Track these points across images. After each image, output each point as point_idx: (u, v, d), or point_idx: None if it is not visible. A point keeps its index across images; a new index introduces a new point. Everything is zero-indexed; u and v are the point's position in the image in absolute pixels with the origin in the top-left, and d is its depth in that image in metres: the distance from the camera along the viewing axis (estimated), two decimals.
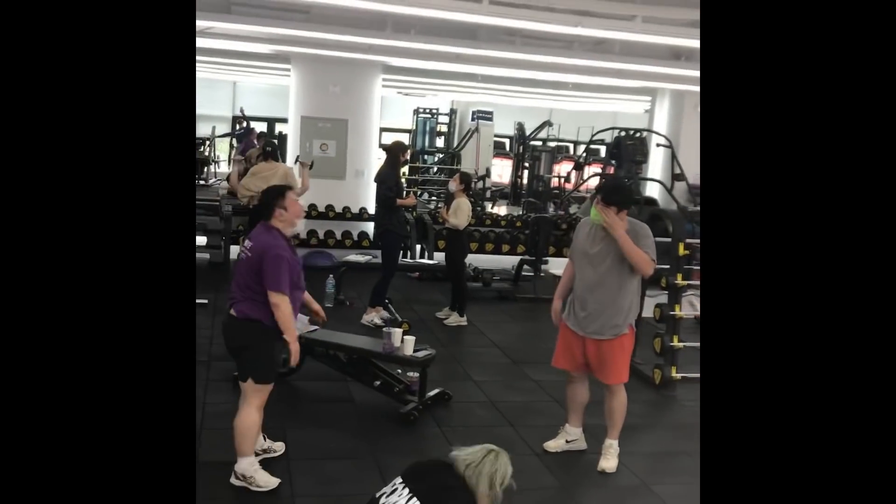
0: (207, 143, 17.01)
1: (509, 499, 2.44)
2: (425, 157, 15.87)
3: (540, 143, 15.83)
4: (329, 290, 7.47)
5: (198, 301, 7.01)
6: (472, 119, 15.87)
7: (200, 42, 8.58)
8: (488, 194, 14.79)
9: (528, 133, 15.16)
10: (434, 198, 14.47)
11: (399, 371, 5.13)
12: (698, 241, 8.07)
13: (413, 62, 9.07)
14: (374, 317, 6.83)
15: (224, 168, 17.01)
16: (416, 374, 4.95)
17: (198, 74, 15.12)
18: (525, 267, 8.79)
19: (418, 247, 9.24)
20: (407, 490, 2.40)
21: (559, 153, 16.00)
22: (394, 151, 6.87)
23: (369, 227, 9.58)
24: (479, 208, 11.72)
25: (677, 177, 9.59)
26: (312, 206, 9.46)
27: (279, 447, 4.11)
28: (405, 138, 15.01)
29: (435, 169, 15.45)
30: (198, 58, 11.15)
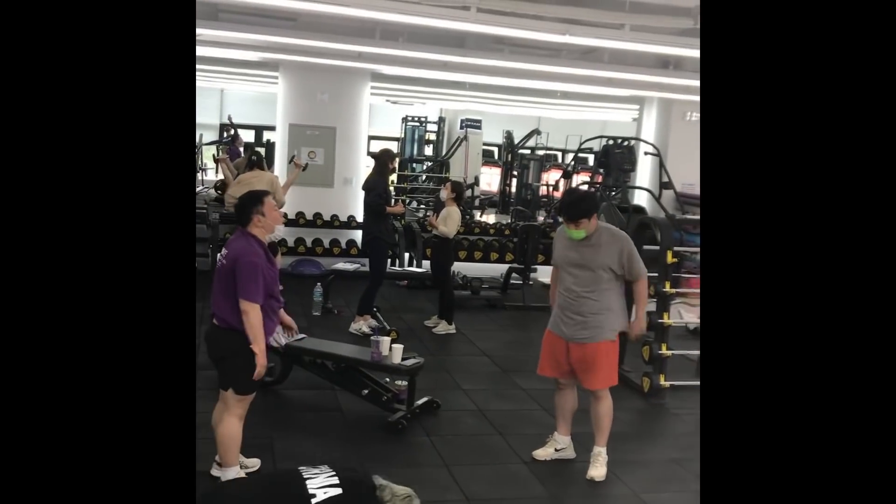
0: (195, 150, 16.96)
1: None
2: (414, 165, 15.87)
3: (528, 151, 15.86)
4: (317, 298, 7.44)
5: None
6: (461, 127, 15.89)
7: None
8: (477, 202, 14.80)
9: (516, 141, 15.19)
10: (423, 206, 14.46)
11: (387, 380, 5.10)
12: (686, 249, 8.10)
13: (401, 70, 9.06)
14: (362, 325, 6.79)
15: (211, 175, 16.96)
16: (405, 383, 4.92)
17: None
18: (513, 275, 8.78)
19: (407, 255, 9.21)
20: (331, 471, 2.62)
21: (548, 161, 16.03)
22: (382, 159, 6.85)
23: (357, 236, 9.55)
24: (467, 216, 11.72)
25: (665, 185, 9.61)
26: (300, 214, 9.42)
27: (254, 463, 4.00)
28: (394, 146, 15.00)
29: (424, 177, 15.45)
30: None
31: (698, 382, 6.03)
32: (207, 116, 18.09)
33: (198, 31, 7.41)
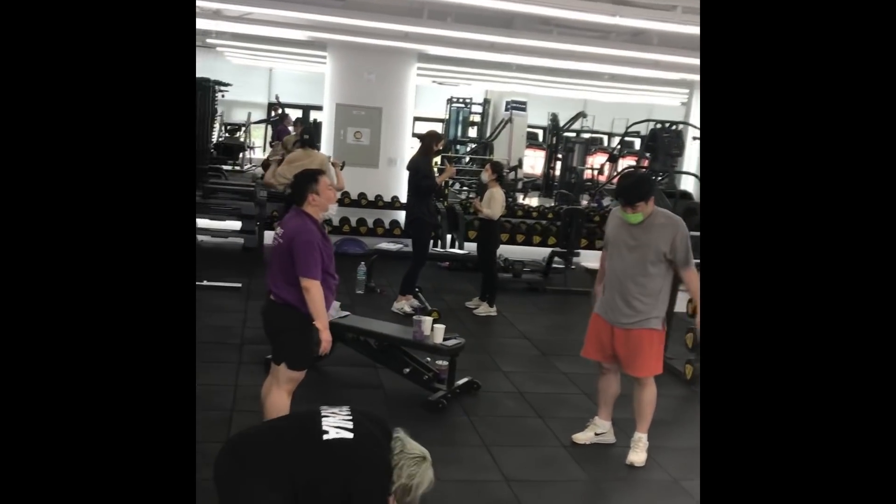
0: (243, 129, 17.20)
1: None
2: (458, 146, 15.84)
3: (573, 134, 15.70)
4: (360, 277, 7.51)
5: (231, 285, 7.10)
6: (506, 109, 15.77)
7: (238, 28, 8.65)
8: (520, 185, 14.72)
9: (561, 124, 15.05)
10: (466, 188, 14.45)
11: (428, 359, 5.14)
12: None
13: (448, 51, 9.04)
14: (404, 305, 6.85)
15: (259, 154, 17.18)
16: (446, 363, 4.96)
17: (234, 60, 15.29)
18: (556, 259, 8.75)
19: (449, 237, 9.24)
20: (348, 413, 2.65)
21: (593, 145, 15.86)
22: (427, 140, 6.86)
23: (401, 216, 9.60)
24: (510, 199, 11.68)
25: None
26: (345, 194, 9.49)
27: None
28: (438, 128, 14.99)
29: (467, 159, 15.41)
30: (234, 43, 11.26)
31: None
32: (256, 95, 18.32)
33: (248, 9, 7.51)
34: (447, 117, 16.04)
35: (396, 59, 9.53)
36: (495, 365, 5.73)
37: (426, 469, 2.67)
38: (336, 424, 2.60)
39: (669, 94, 14.15)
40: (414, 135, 10.65)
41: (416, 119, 12.79)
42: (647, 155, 10.49)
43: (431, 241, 7.47)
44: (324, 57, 9.97)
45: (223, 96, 15.63)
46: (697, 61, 8.20)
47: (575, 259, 8.94)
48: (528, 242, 9.71)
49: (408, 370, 4.96)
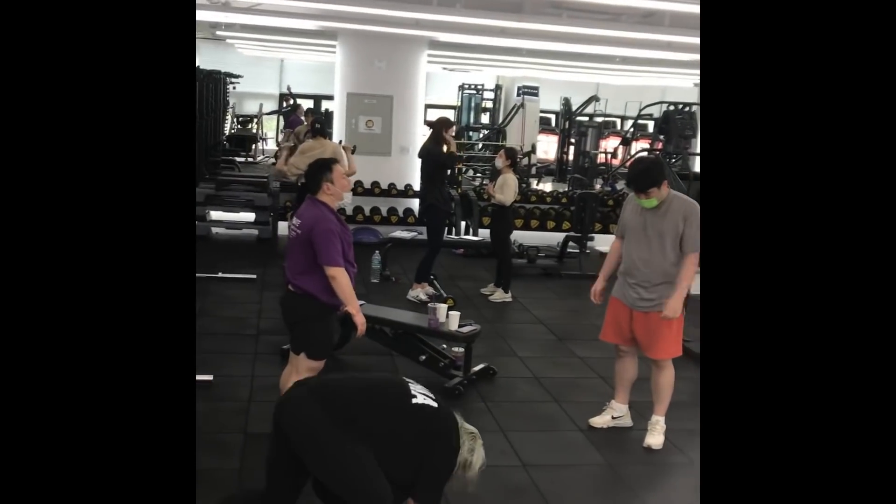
0: (255, 120, 17.24)
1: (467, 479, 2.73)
2: (470, 133, 15.81)
3: (586, 118, 15.63)
4: (375, 265, 7.53)
5: (246, 276, 7.14)
6: (518, 95, 15.72)
7: (247, 19, 8.65)
8: (534, 171, 14.68)
9: (574, 108, 14.97)
10: (479, 174, 14.42)
11: (444, 346, 5.16)
12: None
13: (458, 37, 9.00)
14: (419, 292, 6.87)
15: (272, 146, 17.22)
16: (461, 350, 4.97)
17: (245, 52, 15.30)
18: (570, 244, 8.73)
19: (463, 223, 9.23)
20: (430, 393, 2.76)
21: (606, 128, 15.78)
22: (437, 127, 6.86)
23: (414, 204, 9.60)
24: (524, 185, 11.65)
25: None
26: (358, 183, 9.50)
27: None
28: (450, 114, 14.96)
29: (480, 145, 15.38)
30: (244, 35, 11.28)
31: None
32: (267, 86, 18.35)
33: (258, 0, 7.50)
34: (459, 104, 16.00)
35: (407, 47, 9.50)
36: (511, 350, 5.73)
37: (480, 446, 2.78)
38: (423, 392, 2.72)
39: (682, 76, 14.03)
40: (425, 122, 10.64)
41: (428, 106, 12.77)
42: (661, 137, 10.42)
43: (446, 229, 7.47)
44: (334, 46, 9.96)
45: (234, 88, 15.68)
46: None
47: (589, 243, 8.92)
48: (542, 228, 9.69)
49: (423, 357, 4.98)
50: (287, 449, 2.57)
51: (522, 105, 14.92)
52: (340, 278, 3.55)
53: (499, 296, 7.14)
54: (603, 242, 9.56)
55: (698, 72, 11.20)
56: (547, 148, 16.75)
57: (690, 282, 4.04)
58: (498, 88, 17.07)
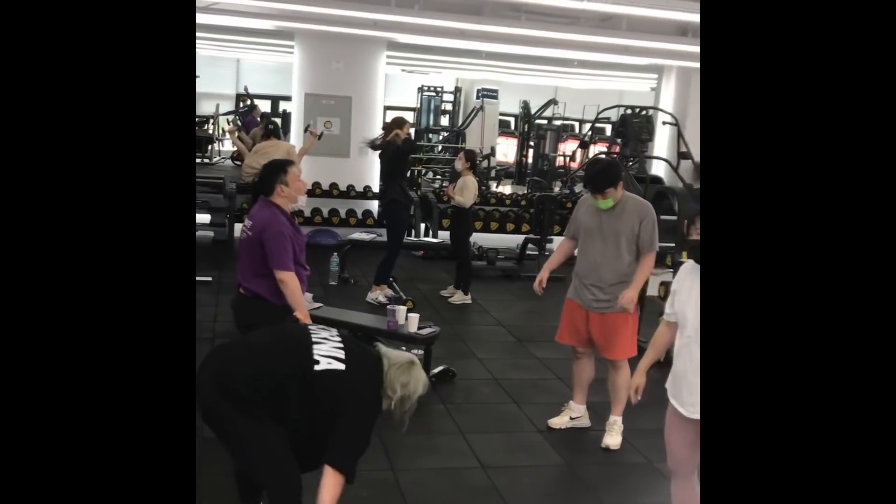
0: (211, 121, 16.99)
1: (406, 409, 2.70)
2: (430, 135, 15.80)
3: (545, 121, 15.73)
4: (333, 268, 7.47)
5: (201, 279, 7.01)
6: (477, 97, 15.79)
7: (203, 18, 8.51)
8: (493, 173, 14.73)
9: (533, 111, 15.06)
10: (439, 176, 14.42)
11: (403, 348, 5.12)
12: None
13: (417, 38, 8.99)
14: (378, 294, 6.82)
15: (228, 146, 16.99)
16: (421, 352, 4.95)
17: (201, 52, 15.13)
18: (529, 246, 8.77)
19: (423, 225, 9.21)
20: (339, 340, 2.64)
21: (564, 132, 15.90)
22: (392, 127, 6.85)
23: (374, 206, 9.55)
24: (483, 187, 11.68)
25: (683, 155, 9.53)
26: (317, 184, 9.42)
27: None
28: (410, 116, 14.93)
29: (440, 147, 15.38)
30: (201, 34, 11.09)
31: None
32: (224, 87, 18.10)
33: None
34: (418, 106, 15.97)
35: (365, 48, 9.46)
36: (471, 352, 5.73)
37: (417, 372, 2.69)
38: (327, 353, 2.56)
39: (639, 80, 14.24)
40: (382, 127, 10.60)
41: (387, 108, 12.72)
42: (618, 140, 10.53)
43: (405, 227, 7.45)
44: (291, 46, 9.87)
45: None
46: (666, 45, 8.29)
47: (548, 245, 8.96)
48: (501, 230, 9.72)
49: None
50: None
51: (482, 108, 14.97)
52: (290, 283, 3.48)
53: (458, 298, 7.14)
54: None
55: (655, 76, 11.38)
56: (506, 150, 16.83)
57: (646, 277, 4.10)
58: (457, 91, 17.08)
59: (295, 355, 2.60)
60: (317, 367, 2.52)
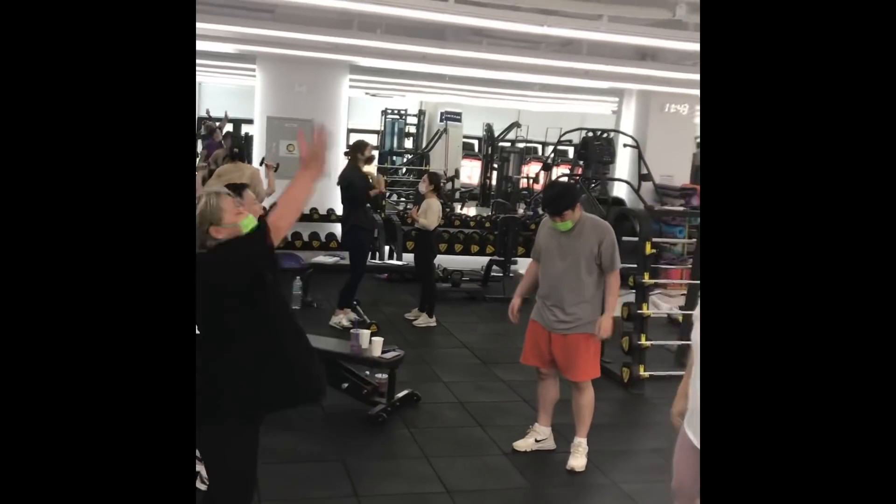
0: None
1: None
2: (394, 158, 15.82)
3: (508, 144, 15.86)
4: (296, 291, 7.39)
5: None
6: (441, 120, 15.87)
7: None
8: (457, 195, 14.78)
9: (496, 134, 15.18)
10: (403, 199, 14.42)
11: (367, 373, 5.08)
12: (665, 240, 8.14)
13: (380, 62, 9.01)
14: (342, 318, 6.76)
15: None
16: (385, 376, 4.90)
17: None
18: (494, 267, 8.79)
19: (387, 248, 9.18)
20: None
21: (528, 154, 16.04)
22: (353, 151, 6.85)
23: (337, 229, 9.50)
24: (448, 209, 11.71)
25: (644, 177, 9.66)
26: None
27: None
28: (374, 139, 14.94)
29: (404, 170, 15.40)
30: None
31: (677, 372, 6.07)
32: None
33: None
34: (382, 129, 16.00)
35: (327, 71, 9.45)
36: (436, 376, 5.69)
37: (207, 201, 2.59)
38: None
39: (600, 103, 14.43)
40: (345, 153, 10.58)
41: (351, 131, 12.71)
42: (580, 163, 10.64)
43: (370, 251, 7.41)
44: (253, 70, 9.83)
45: None
46: (626, 70, 8.42)
47: (513, 267, 9.00)
48: (466, 252, 9.73)
49: (346, 385, 4.88)
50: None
51: (446, 130, 15.05)
52: None
53: (423, 320, 7.11)
54: (526, 266, 9.66)
55: (616, 99, 11.55)
56: (470, 173, 16.90)
57: (616, 298, 4.13)
58: (421, 114, 17.16)
59: None
60: None
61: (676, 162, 10.51)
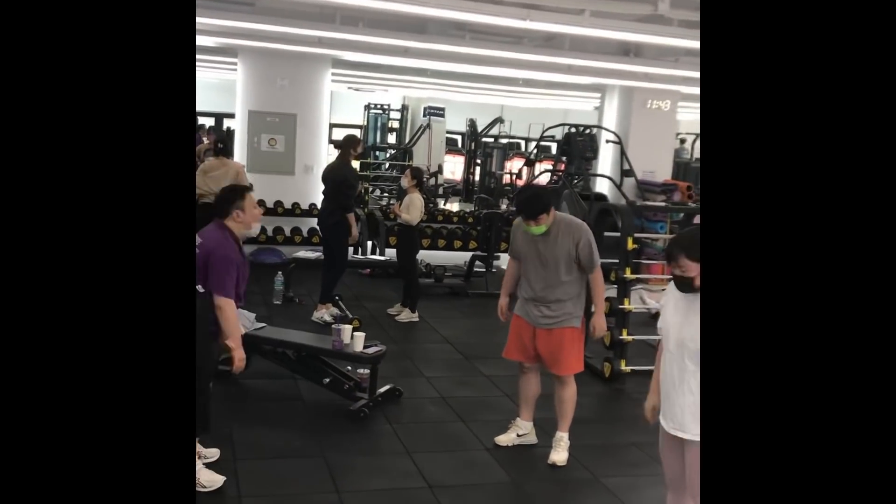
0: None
1: None
2: (377, 153, 15.75)
3: (492, 139, 15.84)
4: (278, 287, 7.35)
5: None
6: (424, 115, 15.79)
7: None
8: (440, 191, 14.74)
9: (479, 130, 15.15)
10: (386, 194, 14.36)
11: (349, 368, 5.06)
12: (647, 235, 8.17)
13: (362, 56, 8.96)
14: (324, 313, 6.73)
15: None
16: (367, 371, 4.89)
17: None
18: (477, 263, 8.78)
19: (369, 243, 9.15)
20: None
21: (511, 150, 16.03)
22: (345, 146, 6.79)
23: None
24: (431, 204, 11.68)
25: (626, 173, 9.69)
26: (261, 202, 9.27)
27: (213, 453, 3.89)
28: (356, 134, 14.84)
29: (387, 165, 15.34)
30: None
31: None
32: None
33: None
34: (365, 123, 15.91)
35: (310, 65, 9.39)
36: (418, 371, 5.68)
37: None
38: None
39: (583, 99, 14.46)
40: (331, 141, 10.51)
41: (334, 125, 12.63)
42: (563, 158, 10.65)
43: (351, 248, 7.37)
44: (235, 63, 9.75)
45: None
46: (608, 65, 8.44)
47: (495, 262, 8.99)
48: (449, 247, 9.72)
49: (328, 380, 4.86)
50: None
51: (429, 125, 14.98)
52: (227, 309, 3.41)
53: (405, 316, 7.09)
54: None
55: (598, 95, 11.57)
56: (453, 168, 16.86)
57: (604, 296, 4.16)
58: (404, 109, 17.08)
59: None
60: None
61: (658, 158, 10.55)
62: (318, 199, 9.33)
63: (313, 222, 9.62)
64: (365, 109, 15.97)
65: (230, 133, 11.96)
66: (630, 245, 5.66)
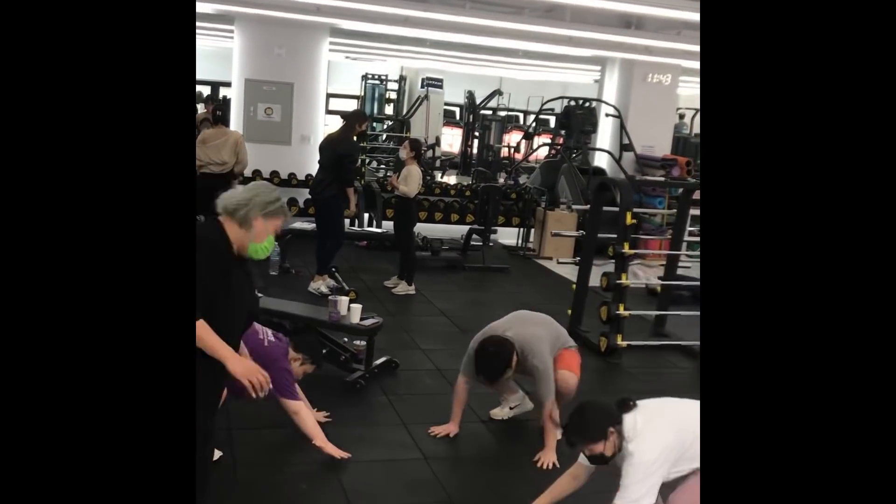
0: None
1: None
2: (374, 124, 15.66)
3: (490, 112, 15.75)
4: (274, 258, 7.32)
5: None
6: (422, 86, 15.68)
7: None
8: (438, 163, 14.69)
9: (478, 102, 15.06)
10: (383, 166, 14.31)
11: (346, 340, 5.06)
12: (645, 210, 8.14)
13: (361, 25, 8.87)
14: (320, 285, 6.72)
15: None
16: (363, 343, 4.89)
17: None
18: (474, 236, 8.76)
19: (366, 215, 9.12)
20: None
21: (509, 123, 15.96)
22: (352, 120, 6.73)
23: None
24: (428, 177, 11.64)
25: (625, 147, 9.65)
26: (257, 172, 9.23)
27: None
28: (354, 104, 14.75)
29: (384, 136, 15.26)
30: None
31: (654, 342, 6.12)
32: None
33: None
34: (363, 94, 15.80)
35: (308, 34, 9.29)
36: (414, 343, 5.69)
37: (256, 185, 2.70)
38: None
39: (583, 72, 14.37)
40: (333, 111, 10.43)
41: (331, 95, 12.55)
42: (562, 132, 10.60)
43: (347, 220, 7.34)
44: (231, 31, 9.64)
45: None
46: (609, 37, 8.36)
47: (492, 236, 8.98)
48: (446, 220, 9.70)
49: (324, 351, 4.85)
50: None
51: (427, 97, 14.89)
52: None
53: (402, 288, 7.08)
54: (505, 235, 9.66)
55: (598, 67, 11.49)
56: (451, 141, 16.80)
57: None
58: (402, 79, 16.95)
59: None
60: None
61: (658, 132, 10.50)
62: (314, 169, 9.32)
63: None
64: (362, 79, 15.84)
65: (226, 102, 11.86)
66: (629, 220, 5.63)
